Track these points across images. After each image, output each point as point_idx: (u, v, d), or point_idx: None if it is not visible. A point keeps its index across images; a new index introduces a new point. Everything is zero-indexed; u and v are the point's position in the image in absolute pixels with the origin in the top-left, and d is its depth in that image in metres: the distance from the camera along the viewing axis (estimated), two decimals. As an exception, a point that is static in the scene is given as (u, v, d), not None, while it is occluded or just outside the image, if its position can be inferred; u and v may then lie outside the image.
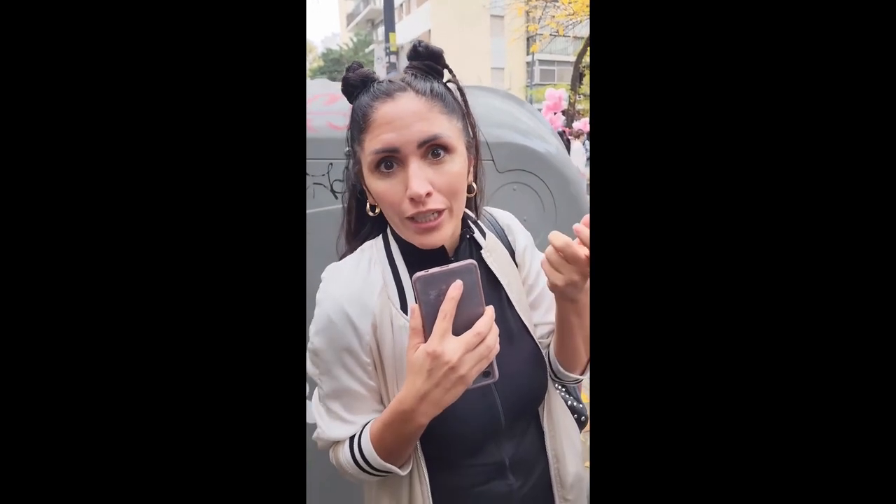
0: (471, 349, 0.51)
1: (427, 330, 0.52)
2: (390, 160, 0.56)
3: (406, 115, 0.55)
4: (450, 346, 0.51)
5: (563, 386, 1.16)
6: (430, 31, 21.44)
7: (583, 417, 1.18)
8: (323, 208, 1.03)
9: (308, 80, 1.18)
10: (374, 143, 0.56)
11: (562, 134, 6.38)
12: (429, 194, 0.55)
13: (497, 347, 0.53)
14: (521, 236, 0.74)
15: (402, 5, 23.07)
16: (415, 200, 0.55)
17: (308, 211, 1.03)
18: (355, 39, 20.98)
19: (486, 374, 0.55)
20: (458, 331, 0.52)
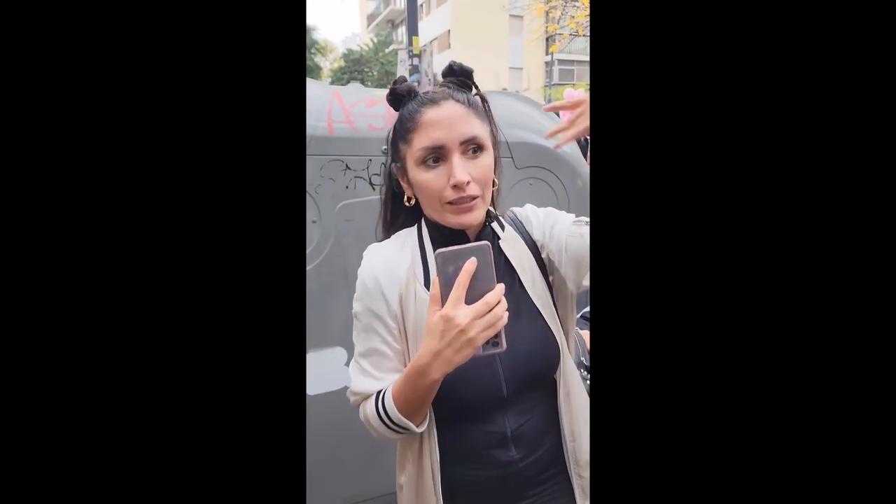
0: (479, 316, 0.59)
1: (444, 298, 0.60)
2: (436, 155, 0.67)
3: (451, 118, 0.67)
4: (461, 312, 0.58)
5: (587, 370, 1.26)
6: (449, 31, 21.57)
7: None
8: (362, 198, 1.17)
9: (346, 86, 1.33)
10: (422, 140, 0.67)
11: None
12: (468, 182, 0.66)
13: (505, 318, 0.60)
14: (536, 220, 0.82)
15: (422, 5, 23.18)
16: (457, 187, 0.65)
17: (349, 200, 1.18)
18: (375, 40, 21.18)
19: (495, 343, 0.61)
20: (471, 302, 0.59)
